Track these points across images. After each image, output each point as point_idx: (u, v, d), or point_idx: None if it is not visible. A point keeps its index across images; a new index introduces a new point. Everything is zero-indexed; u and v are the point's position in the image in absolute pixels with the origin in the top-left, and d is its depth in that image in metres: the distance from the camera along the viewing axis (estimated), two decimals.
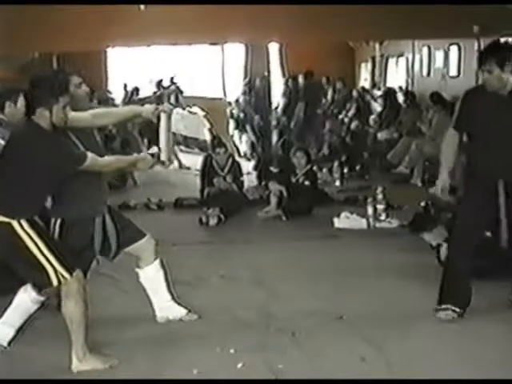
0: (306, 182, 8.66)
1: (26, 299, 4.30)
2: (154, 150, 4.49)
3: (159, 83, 15.22)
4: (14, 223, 3.87)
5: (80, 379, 3.87)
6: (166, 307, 4.78)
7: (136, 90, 15.18)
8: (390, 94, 12.33)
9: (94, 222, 4.36)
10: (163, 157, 4.45)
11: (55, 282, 3.93)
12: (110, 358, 4.16)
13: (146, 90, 15.84)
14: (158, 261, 4.71)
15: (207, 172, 8.87)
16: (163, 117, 4.54)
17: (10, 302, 4.34)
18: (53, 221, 4.26)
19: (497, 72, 4.44)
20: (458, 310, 4.72)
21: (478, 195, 4.72)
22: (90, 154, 4.00)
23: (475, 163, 4.79)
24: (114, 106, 15.11)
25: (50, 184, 4.03)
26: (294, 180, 8.69)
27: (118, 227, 4.49)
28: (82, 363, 4.04)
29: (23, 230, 3.88)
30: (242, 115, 14.52)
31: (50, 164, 3.90)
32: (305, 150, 9.12)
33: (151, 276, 4.70)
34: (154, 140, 5.01)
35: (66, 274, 3.93)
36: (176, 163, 12.63)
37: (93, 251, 4.42)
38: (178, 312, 4.80)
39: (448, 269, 4.88)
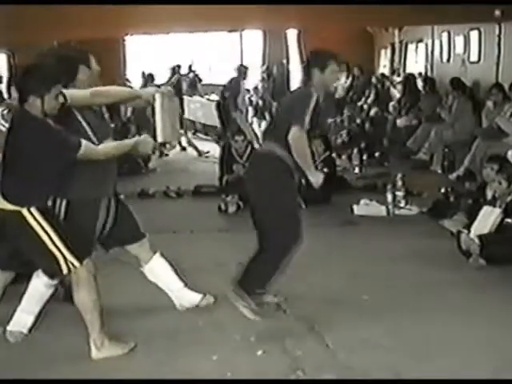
0: (325, 170, 8.62)
1: (39, 285, 4.32)
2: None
3: (175, 69, 15.12)
4: (24, 211, 3.86)
5: (81, 379, 3.88)
6: (180, 295, 4.79)
7: (151, 76, 15.13)
8: (409, 80, 12.22)
9: (100, 205, 4.29)
10: (159, 138, 4.31)
11: (65, 271, 3.94)
12: (128, 343, 4.17)
13: (165, 78, 15.83)
14: (157, 254, 4.70)
15: (226, 160, 8.86)
16: (158, 98, 4.38)
17: (25, 290, 4.37)
18: (58, 202, 4.19)
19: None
20: None
21: None
22: (84, 142, 3.90)
23: None
24: None
25: (52, 171, 3.93)
26: None
27: (118, 216, 4.44)
28: (100, 351, 4.06)
29: (33, 217, 3.86)
30: (260, 102, 14.49)
31: (45, 152, 3.83)
32: (323, 137, 9.08)
33: (157, 271, 4.71)
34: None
35: (76, 263, 3.92)
36: (194, 151, 12.65)
37: (95, 236, 4.34)
38: (194, 298, 4.81)
39: None
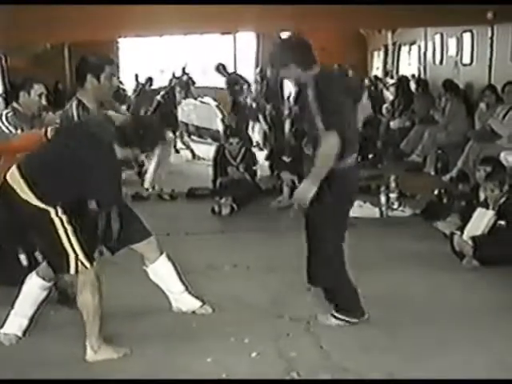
0: None
1: (33, 287, 4.32)
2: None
3: (173, 74, 15.17)
4: (51, 210, 3.87)
5: (81, 379, 3.88)
6: (180, 299, 4.79)
7: (150, 79, 15.13)
8: (402, 82, 12.26)
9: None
10: (146, 185, 4.31)
11: (73, 270, 3.94)
12: (122, 347, 4.17)
13: (157, 80, 15.82)
14: (163, 255, 4.69)
15: (219, 162, 8.87)
16: (157, 151, 4.36)
17: (19, 292, 4.37)
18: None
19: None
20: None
21: None
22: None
23: None
24: (126, 96, 15.16)
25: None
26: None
27: (123, 218, 4.40)
28: (96, 354, 4.07)
29: (57, 216, 3.88)
30: (254, 105, 14.47)
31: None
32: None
33: (160, 272, 4.70)
34: None
35: (87, 263, 3.94)
36: (189, 154, 12.65)
37: (97, 238, 4.31)
38: (192, 304, 4.80)
39: None
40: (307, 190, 4.31)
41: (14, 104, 4.99)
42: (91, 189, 3.92)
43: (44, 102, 5.08)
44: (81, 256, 3.93)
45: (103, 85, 4.23)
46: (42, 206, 3.87)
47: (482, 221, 5.86)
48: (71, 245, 3.91)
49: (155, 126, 4.33)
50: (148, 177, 4.30)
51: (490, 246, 5.65)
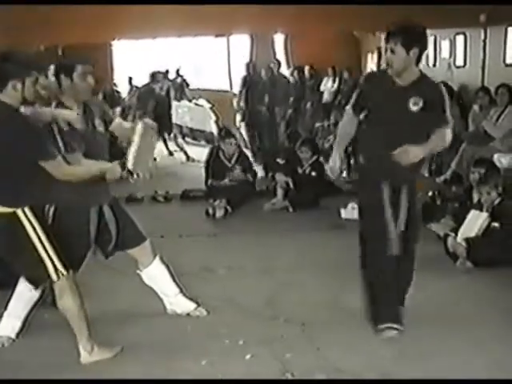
0: (313, 173, 8.67)
1: (26, 289, 4.28)
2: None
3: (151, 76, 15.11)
4: (19, 212, 3.80)
5: (80, 379, 3.86)
6: (174, 301, 4.78)
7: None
8: None
9: (90, 211, 4.26)
10: (129, 165, 4.18)
11: (55, 278, 3.89)
12: (115, 346, 4.17)
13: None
14: (157, 258, 4.68)
15: (212, 164, 8.88)
16: (139, 129, 4.24)
17: (12, 294, 4.35)
18: (46, 208, 4.14)
19: (400, 53, 4.18)
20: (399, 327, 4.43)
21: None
22: (59, 157, 3.84)
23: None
24: (120, 98, 15.14)
25: (32, 171, 3.83)
26: (300, 171, 8.69)
27: (120, 222, 4.43)
28: (90, 355, 4.06)
29: (27, 219, 3.81)
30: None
31: (19, 150, 3.70)
32: (310, 143, 9.10)
33: (154, 275, 4.69)
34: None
35: (63, 270, 3.90)
36: (183, 156, 12.64)
37: (87, 243, 4.32)
38: (186, 306, 4.79)
39: None
40: (418, 153, 4.20)
41: None
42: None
43: None
44: (57, 263, 3.88)
45: (76, 84, 4.23)
46: (4, 210, 3.78)
47: (475, 223, 5.87)
48: (46, 252, 3.84)
49: None
50: (130, 158, 4.16)
51: (484, 247, 5.67)
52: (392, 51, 4.19)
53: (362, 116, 4.56)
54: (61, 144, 4.08)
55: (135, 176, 4.16)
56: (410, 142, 4.13)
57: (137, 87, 14.58)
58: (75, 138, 4.15)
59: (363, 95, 4.52)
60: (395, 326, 4.38)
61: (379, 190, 4.32)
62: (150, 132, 4.39)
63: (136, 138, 4.23)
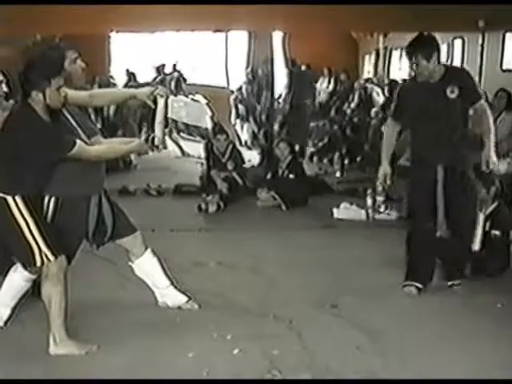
0: (291, 174, 8.58)
1: (17, 278, 4.30)
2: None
3: (161, 68, 15.14)
4: (9, 199, 3.88)
5: (80, 379, 3.86)
6: (165, 294, 4.77)
7: (133, 74, 15.13)
8: (392, 86, 12.28)
9: (90, 202, 4.30)
10: (157, 141, 4.36)
11: (39, 263, 3.95)
12: (89, 344, 4.14)
13: (150, 76, 15.79)
14: (148, 250, 4.68)
15: (209, 158, 8.90)
16: (160, 100, 4.44)
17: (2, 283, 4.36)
18: (46, 198, 4.16)
19: (424, 64, 4.87)
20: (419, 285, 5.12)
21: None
22: (78, 142, 3.94)
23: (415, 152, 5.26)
24: None
25: (41, 165, 3.95)
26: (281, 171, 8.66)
27: (115, 211, 4.45)
28: (58, 347, 4.05)
29: (16, 206, 3.88)
30: (244, 104, 14.48)
31: (38, 147, 3.86)
32: (287, 141, 9.07)
33: (145, 267, 4.69)
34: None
35: (50, 256, 3.94)
36: (178, 150, 12.64)
37: (84, 233, 4.35)
38: (178, 299, 4.79)
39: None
40: (494, 158, 4.97)
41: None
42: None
43: (5, 88, 5.10)
44: (44, 248, 3.92)
45: (68, 70, 4.25)
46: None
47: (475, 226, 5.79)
48: (33, 237, 3.91)
49: None
50: (158, 134, 4.32)
51: (485, 257, 5.57)
52: (416, 65, 4.93)
53: (403, 121, 5.27)
54: (80, 130, 4.18)
55: (161, 147, 4.34)
56: (452, 125, 4.91)
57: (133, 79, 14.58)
58: (89, 126, 4.31)
59: (402, 103, 5.17)
60: (415, 284, 5.11)
61: (433, 172, 4.99)
62: (166, 103, 4.46)
63: (159, 112, 4.35)
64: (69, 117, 4.19)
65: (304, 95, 12.72)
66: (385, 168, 5.32)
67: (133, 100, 4.79)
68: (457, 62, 10.99)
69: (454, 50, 11.12)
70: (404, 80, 12.62)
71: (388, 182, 5.36)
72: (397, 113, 5.23)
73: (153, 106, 4.49)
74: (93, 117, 4.61)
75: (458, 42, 10.96)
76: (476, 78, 9.98)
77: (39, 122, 3.89)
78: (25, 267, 4.19)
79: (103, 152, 4.22)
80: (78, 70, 4.38)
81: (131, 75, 15.21)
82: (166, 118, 4.50)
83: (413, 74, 5.14)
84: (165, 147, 4.50)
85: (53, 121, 3.97)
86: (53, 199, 4.18)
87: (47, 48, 4.46)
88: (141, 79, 15.33)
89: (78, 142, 3.95)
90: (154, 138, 4.34)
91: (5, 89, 5.06)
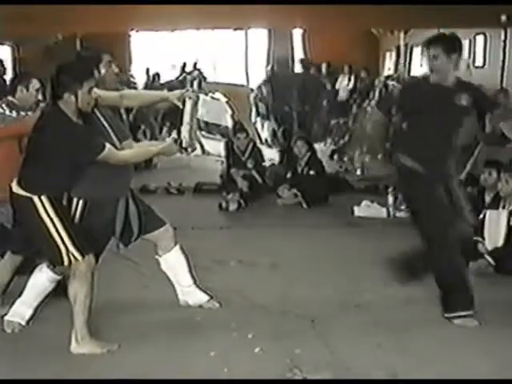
0: (311, 171, 8.55)
1: (42, 278, 4.33)
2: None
3: (182, 68, 15.19)
4: (35, 198, 3.92)
5: (80, 379, 3.86)
6: (187, 292, 4.77)
7: (158, 74, 15.17)
8: None
9: (117, 204, 4.32)
10: (185, 143, 4.38)
11: (66, 262, 3.97)
12: (110, 343, 4.14)
13: (169, 75, 15.83)
14: (177, 247, 4.69)
15: (229, 157, 8.88)
16: (188, 103, 4.46)
17: (27, 282, 4.38)
18: (75, 201, 4.19)
19: (444, 59, 4.62)
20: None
21: None
22: (108, 146, 3.95)
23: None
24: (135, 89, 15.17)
25: (70, 167, 4.00)
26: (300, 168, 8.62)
27: (141, 212, 4.46)
28: (80, 346, 4.06)
29: (43, 206, 3.92)
30: (264, 102, 14.45)
31: (68, 149, 3.89)
32: (305, 139, 9.01)
33: (172, 263, 4.69)
34: (176, 124, 4.95)
35: (78, 255, 3.96)
36: (199, 149, 12.65)
37: (111, 234, 4.39)
38: (199, 298, 4.79)
39: None
40: None
41: (10, 98, 4.98)
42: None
43: (40, 96, 5.13)
44: (71, 248, 3.94)
45: (103, 74, 4.31)
46: (24, 193, 3.93)
47: (498, 223, 5.75)
48: (60, 237, 3.93)
49: None
50: (185, 136, 4.34)
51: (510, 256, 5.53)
52: (435, 57, 4.63)
53: (399, 119, 5.27)
54: (112, 133, 4.21)
55: (190, 150, 4.38)
56: (455, 131, 4.75)
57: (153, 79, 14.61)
58: (122, 128, 4.34)
59: (406, 98, 5.06)
60: (464, 313, 4.53)
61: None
62: (195, 106, 4.47)
63: (187, 114, 4.36)
64: (102, 119, 4.21)
65: (315, 97, 12.64)
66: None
67: (162, 103, 4.78)
68: (479, 58, 10.90)
69: (476, 46, 11.01)
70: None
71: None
72: (382, 103, 5.18)
73: (181, 107, 4.46)
74: (125, 117, 4.59)
75: (480, 38, 10.85)
76: (498, 73, 9.94)
77: (69, 124, 3.92)
78: (54, 266, 4.22)
79: (131, 156, 4.24)
80: (112, 74, 4.41)
81: (156, 76, 15.24)
82: (192, 119, 4.47)
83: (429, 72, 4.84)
84: (194, 149, 4.49)
85: (84, 123, 4.00)
86: (81, 202, 4.21)
87: (81, 50, 4.50)
88: (161, 78, 15.38)
89: (108, 145, 3.97)
90: (182, 141, 4.34)
91: (40, 97, 5.07)
